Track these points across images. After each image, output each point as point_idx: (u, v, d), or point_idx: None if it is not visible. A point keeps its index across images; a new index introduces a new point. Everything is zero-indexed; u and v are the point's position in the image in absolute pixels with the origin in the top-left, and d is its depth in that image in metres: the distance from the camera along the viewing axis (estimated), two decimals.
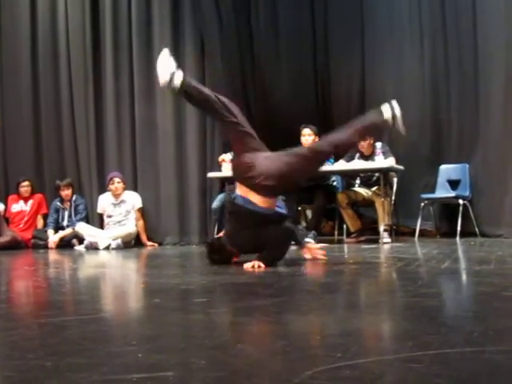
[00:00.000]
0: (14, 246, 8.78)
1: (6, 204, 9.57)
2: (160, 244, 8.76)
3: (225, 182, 8.37)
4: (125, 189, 8.76)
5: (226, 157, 8.39)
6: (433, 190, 8.28)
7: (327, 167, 7.67)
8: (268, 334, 2.28)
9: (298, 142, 7.93)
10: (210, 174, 8.39)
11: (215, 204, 8.37)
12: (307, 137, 7.86)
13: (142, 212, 8.83)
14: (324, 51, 9.02)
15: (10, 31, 10.12)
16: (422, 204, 8.03)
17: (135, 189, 9.01)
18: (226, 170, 8.23)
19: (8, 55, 10.13)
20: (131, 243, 8.55)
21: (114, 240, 8.24)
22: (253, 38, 9.00)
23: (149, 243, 8.71)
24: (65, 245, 8.71)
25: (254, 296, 3.35)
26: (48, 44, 9.85)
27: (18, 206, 9.44)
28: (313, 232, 7.47)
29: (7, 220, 9.39)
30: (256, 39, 9.00)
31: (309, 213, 8.40)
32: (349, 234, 7.88)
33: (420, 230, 7.99)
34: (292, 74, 8.94)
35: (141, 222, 8.74)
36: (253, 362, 1.85)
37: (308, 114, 8.69)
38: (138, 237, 8.76)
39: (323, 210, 7.85)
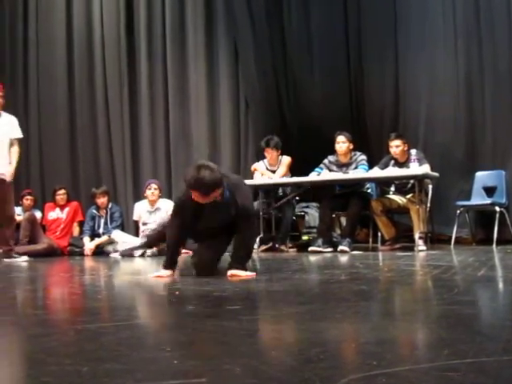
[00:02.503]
0: (51, 253, 8.87)
1: (42, 212, 9.67)
2: (194, 251, 8.77)
3: (258, 190, 8.38)
4: (160, 196, 8.81)
5: (259, 165, 8.40)
6: (468, 197, 8.20)
7: (362, 174, 7.65)
8: (302, 341, 2.27)
9: (330, 146, 7.92)
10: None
11: None
12: (341, 144, 7.84)
13: None
14: (357, 52, 8.96)
15: (47, 41, 10.28)
16: (458, 211, 7.95)
17: (170, 197, 9.06)
18: (259, 179, 8.25)
19: (44, 65, 10.29)
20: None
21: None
22: (285, 41, 9.00)
23: (183, 251, 8.72)
24: (100, 252, 8.79)
25: (287, 303, 3.34)
26: (84, 54, 9.98)
27: (54, 214, 9.54)
28: (347, 239, 7.44)
29: (44, 227, 9.49)
30: (289, 42, 9.00)
31: (343, 220, 8.36)
32: (383, 242, 7.82)
33: (456, 238, 7.91)
34: (325, 75, 8.91)
35: None
36: (287, 370, 1.84)
37: (341, 116, 8.67)
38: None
39: (358, 217, 7.81)
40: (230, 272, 4.78)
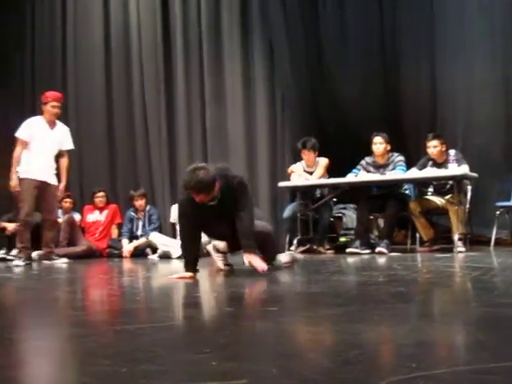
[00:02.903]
0: (90, 255, 8.96)
1: (81, 214, 9.78)
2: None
3: (295, 192, 8.38)
4: None
5: (296, 167, 8.39)
6: (508, 198, 8.09)
7: (399, 175, 7.60)
8: (339, 343, 2.26)
9: (367, 147, 7.88)
10: (281, 184, 8.39)
11: (286, 213, 8.39)
12: (378, 145, 7.80)
13: None
14: (393, 54, 8.87)
15: (84, 46, 10.41)
16: (498, 212, 7.84)
17: None
18: (296, 180, 8.25)
19: (82, 70, 10.42)
20: (203, 252, 8.61)
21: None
22: (321, 43, 8.96)
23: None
24: (139, 254, 8.85)
25: (325, 305, 3.33)
26: (121, 57, 10.08)
27: (93, 216, 9.64)
28: (385, 241, 7.39)
29: (83, 230, 9.59)
30: (324, 42, 8.96)
31: (381, 221, 8.31)
32: (422, 243, 7.75)
33: (495, 239, 7.80)
34: (361, 75, 8.84)
35: None
36: (324, 372, 1.83)
37: (377, 117, 8.60)
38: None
39: (395, 218, 7.76)
40: (246, 257, 4.96)
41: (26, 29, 11.05)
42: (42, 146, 7.51)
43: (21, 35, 11.08)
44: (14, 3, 11.15)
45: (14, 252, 8.10)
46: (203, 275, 5.92)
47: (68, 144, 7.83)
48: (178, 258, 8.19)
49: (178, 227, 8.76)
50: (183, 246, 5.22)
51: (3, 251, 8.07)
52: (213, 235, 5.70)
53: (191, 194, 4.81)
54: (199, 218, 5.02)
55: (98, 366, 1.98)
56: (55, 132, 7.64)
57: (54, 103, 7.57)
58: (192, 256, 5.07)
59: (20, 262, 7.31)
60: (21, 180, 7.44)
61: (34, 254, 8.42)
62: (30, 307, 3.88)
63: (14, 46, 11.10)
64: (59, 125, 7.78)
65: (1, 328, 3.08)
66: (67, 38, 10.62)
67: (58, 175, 7.78)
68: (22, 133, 7.48)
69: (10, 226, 8.95)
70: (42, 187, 7.50)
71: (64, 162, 7.82)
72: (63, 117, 10.26)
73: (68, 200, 9.59)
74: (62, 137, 7.72)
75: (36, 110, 10.18)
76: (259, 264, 4.87)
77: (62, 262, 7.76)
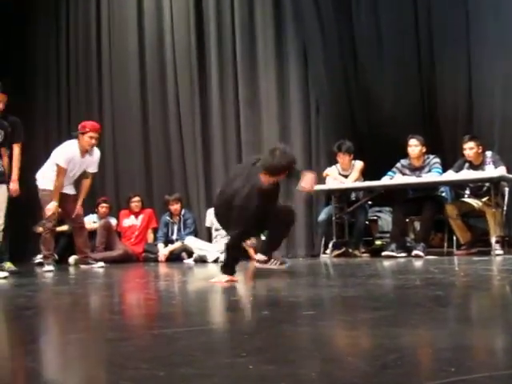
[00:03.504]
0: (126, 259, 9.03)
1: (117, 219, 9.85)
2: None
3: (331, 195, 8.36)
4: None
5: (331, 170, 8.37)
6: None
7: (436, 178, 7.54)
8: (377, 347, 2.25)
9: (402, 149, 7.83)
10: (316, 187, 8.36)
11: (321, 217, 8.37)
12: (414, 147, 7.75)
13: None
14: (428, 54, 8.75)
15: (119, 53, 10.51)
16: None
17: None
18: (331, 183, 8.22)
19: (117, 76, 10.51)
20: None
21: (222, 253, 8.33)
22: (355, 44, 8.90)
23: (257, 257, 8.75)
24: (174, 258, 8.90)
25: (362, 309, 3.31)
26: (155, 64, 10.16)
27: (129, 221, 9.71)
28: (422, 244, 7.34)
29: (119, 234, 9.67)
30: (358, 45, 8.89)
31: (417, 224, 8.25)
32: (459, 246, 7.66)
33: None
34: (396, 78, 8.76)
35: None
36: (362, 376, 1.83)
37: (413, 119, 8.52)
38: (245, 250, 8.83)
39: (432, 221, 7.69)
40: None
41: (61, 39, 11.18)
42: (70, 171, 7.60)
43: (56, 45, 11.23)
44: (48, 12, 11.31)
45: (40, 257, 8.24)
46: (237, 278, 5.94)
47: (93, 168, 7.87)
48: (214, 261, 8.22)
49: (213, 231, 8.86)
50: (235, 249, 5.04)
51: (41, 256, 8.17)
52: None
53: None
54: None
55: (137, 370, 1.99)
56: (85, 160, 7.70)
57: (92, 134, 7.55)
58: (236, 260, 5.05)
59: (51, 267, 7.41)
60: (44, 190, 7.57)
61: (71, 259, 8.54)
62: (69, 311, 3.92)
63: (50, 57, 11.24)
64: (95, 151, 7.80)
65: (40, 332, 3.12)
66: (102, 47, 10.73)
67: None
68: (62, 162, 7.51)
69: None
70: (63, 198, 7.60)
71: (86, 182, 7.89)
72: (99, 122, 10.41)
73: (104, 205, 9.68)
74: (90, 163, 7.76)
75: (71, 123, 10.34)
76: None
77: (98, 267, 7.83)
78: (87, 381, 1.99)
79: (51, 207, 7.42)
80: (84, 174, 7.83)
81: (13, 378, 2.05)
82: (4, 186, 6.52)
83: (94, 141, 7.56)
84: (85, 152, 7.60)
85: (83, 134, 7.53)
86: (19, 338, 2.85)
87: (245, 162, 5.30)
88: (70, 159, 7.50)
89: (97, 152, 7.83)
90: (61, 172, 7.45)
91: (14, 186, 7.23)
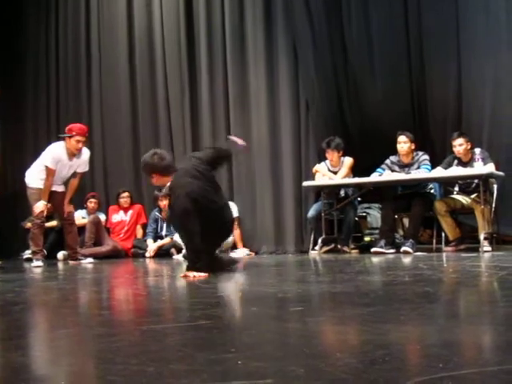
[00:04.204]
0: (115, 255, 9.03)
1: (106, 214, 9.84)
2: (256, 253, 8.82)
3: (320, 191, 8.38)
4: None
5: (320, 167, 8.38)
6: None
7: (425, 174, 7.56)
8: (366, 343, 2.25)
9: (393, 149, 7.86)
10: (305, 183, 8.38)
11: (311, 213, 8.38)
12: (403, 144, 7.78)
13: (239, 221, 8.91)
14: (418, 53, 8.77)
15: (109, 45, 10.48)
16: None
17: (231, 198, 9.10)
18: (320, 180, 8.24)
19: (108, 73, 10.49)
20: (228, 252, 8.64)
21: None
22: (345, 43, 8.90)
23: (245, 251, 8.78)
24: (163, 254, 8.90)
25: (351, 305, 3.32)
26: (145, 60, 10.14)
27: (118, 217, 9.70)
28: (410, 240, 7.36)
29: (108, 230, 9.66)
30: (348, 44, 8.89)
31: (406, 221, 8.28)
32: (447, 243, 7.70)
33: None
34: (386, 78, 8.78)
35: (237, 231, 8.83)
36: (351, 372, 1.83)
37: (402, 116, 8.54)
38: (234, 246, 8.85)
39: (421, 218, 7.72)
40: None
41: (50, 37, 11.13)
42: (59, 172, 7.59)
43: (46, 44, 11.17)
44: (38, 10, 11.25)
45: (28, 252, 8.23)
46: (226, 274, 5.94)
47: (83, 167, 7.85)
48: None
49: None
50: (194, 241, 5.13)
51: (29, 251, 8.15)
52: None
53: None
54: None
55: (126, 365, 1.99)
56: (74, 162, 7.69)
57: (79, 138, 7.54)
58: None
59: (40, 263, 7.40)
60: (32, 189, 7.60)
61: (60, 255, 8.52)
62: (57, 307, 3.91)
63: (39, 55, 11.19)
64: (85, 151, 7.76)
65: (28, 327, 3.11)
66: (91, 45, 10.68)
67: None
68: (50, 164, 7.52)
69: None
70: (52, 195, 7.61)
71: (74, 181, 7.91)
72: (88, 118, 10.41)
73: (93, 200, 9.66)
74: (79, 164, 7.74)
75: (60, 122, 10.32)
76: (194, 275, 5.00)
77: (87, 262, 7.82)
78: (76, 376, 1.99)
79: (39, 206, 7.41)
80: (73, 174, 7.82)
81: (1, 373, 2.04)
82: None
83: (80, 144, 7.54)
84: (72, 155, 7.58)
85: (70, 137, 7.51)
86: (7, 333, 2.84)
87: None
88: (57, 161, 7.50)
89: (86, 152, 7.81)
90: (49, 173, 7.46)
91: None
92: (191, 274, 4.99)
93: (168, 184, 5.35)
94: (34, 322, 3.35)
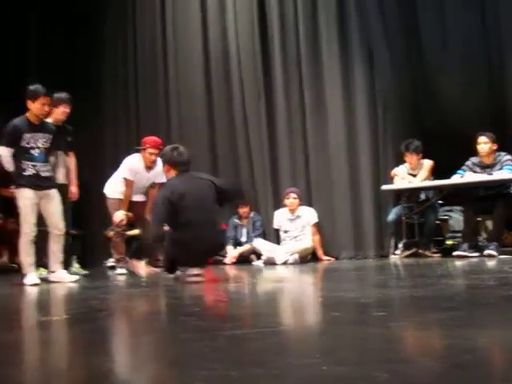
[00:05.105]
0: None
1: None
2: (336, 258, 8.78)
3: (400, 195, 8.29)
4: (300, 204, 8.86)
5: (399, 170, 8.29)
6: None
7: (508, 175, 7.38)
8: (450, 347, 2.22)
9: (473, 149, 7.71)
10: (384, 187, 8.31)
11: (391, 217, 8.30)
12: (483, 145, 7.62)
13: (318, 227, 8.89)
14: (496, 50, 8.54)
15: (184, 53, 10.62)
16: None
17: (310, 204, 9.09)
18: (399, 183, 8.15)
19: (184, 81, 10.62)
20: (308, 258, 8.64)
21: (291, 255, 8.35)
22: (421, 44, 8.78)
23: (325, 258, 8.75)
24: (243, 260, 8.95)
25: (434, 309, 3.27)
26: (220, 68, 10.23)
27: None
28: (494, 243, 7.20)
29: None
30: (424, 45, 8.77)
31: (489, 223, 8.09)
32: None
33: None
34: (463, 74, 8.61)
35: (317, 237, 8.81)
36: (436, 377, 1.81)
37: (481, 116, 8.35)
38: (314, 251, 8.83)
39: (504, 220, 7.54)
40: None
41: (128, 48, 11.37)
42: (138, 182, 7.72)
43: (123, 55, 11.41)
44: (115, 24, 11.52)
45: (112, 260, 8.42)
46: (307, 280, 5.95)
47: (160, 178, 7.89)
48: (284, 263, 8.24)
49: (281, 233, 8.88)
50: (154, 236, 5.86)
51: (113, 259, 8.33)
52: None
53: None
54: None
55: (210, 371, 2.01)
56: (151, 174, 7.78)
57: (152, 150, 7.63)
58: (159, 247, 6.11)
59: (123, 270, 7.57)
60: (112, 199, 7.79)
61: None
62: (140, 313, 3.99)
63: (118, 66, 11.45)
64: (156, 164, 7.83)
65: (112, 333, 3.18)
66: (168, 54, 10.83)
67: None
68: (128, 175, 7.67)
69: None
70: (132, 205, 7.80)
71: (153, 192, 7.98)
72: (167, 127, 10.59)
73: None
74: (156, 174, 7.80)
75: (139, 133, 10.53)
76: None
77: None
78: (160, 381, 2.03)
79: (119, 215, 7.56)
80: (151, 184, 7.94)
81: (88, 378, 2.10)
82: (55, 191, 6.68)
83: (153, 157, 7.62)
84: (148, 168, 7.69)
85: (144, 149, 7.65)
86: (93, 339, 2.91)
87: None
88: (134, 172, 7.64)
89: (160, 163, 7.90)
90: (128, 184, 7.62)
91: (74, 189, 7.61)
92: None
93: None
94: (118, 328, 3.43)
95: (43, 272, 6.93)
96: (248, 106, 9.93)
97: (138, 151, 7.79)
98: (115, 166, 8.12)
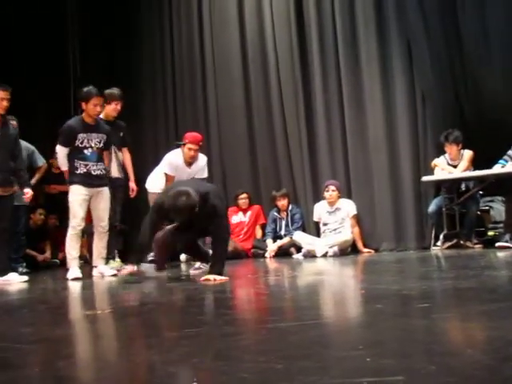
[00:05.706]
0: (236, 255, 9.13)
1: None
2: (376, 250, 8.72)
3: (440, 186, 8.21)
4: (340, 197, 8.83)
5: (439, 161, 8.21)
6: None
7: None
8: (497, 339, 2.19)
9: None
10: (425, 178, 8.23)
11: (431, 208, 8.22)
12: None
13: (357, 219, 8.84)
14: None
15: (223, 53, 10.62)
16: None
17: (349, 196, 9.05)
18: (440, 174, 8.07)
19: (222, 78, 10.62)
20: (348, 250, 8.60)
21: (330, 247, 8.33)
22: (461, 39, 8.67)
23: (365, 250, 8.71)
24: (283, 253, 8.95)
25: (478, 301, 3.24)
26: (258, 63, 10.19)
27: (237, 218, 9.83)
28: None
29: None
30: (465, 39, 8.67)
31: None
32: None
33: None
34: (504, 64, 8.48)
35: (356, 229, 8.77)
36: (484, 368, 1.79)
37: None
38: (354, 244, 8.79)
39: None
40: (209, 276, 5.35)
41: (165, 48, 11.42)
42: (178, 178, 7.74)
43: (161, 55, 11.48)
44: (152, 24, 11.60)
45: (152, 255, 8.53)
46: (347, 272, 5.93)
47: (201, 173, 7.88)
48: (323, 256, 8.22)
49: (321, 225, 8.86)
50: (144, 239, 5.77)
51: (153, 254, 8.41)
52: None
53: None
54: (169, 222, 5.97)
55: (254, 363, 2.02)
56: (192, 169, 7.78)
57: (191, 146, 7.62)
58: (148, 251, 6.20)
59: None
60: (153, 193, 7.85)
61: (183, 256, 8.71)
62: (184, 306, 4.02)
63: (156, 65, 11.53)
64: (198, 159, 7.82)
65: (158, 327, 3.21)
66: (205, 52, 10.82)
67: None
68: (168, 170, 7.70)
69: None
70: None
71: None
72: (205, 122, 10.63)
73: None
74: (197, 170, 7.81)
75: (178, 129, 10.60)
76: (219, 278, 5.32)
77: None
78: (206, 373, 2.04)
79: None
80: None
81: (137, 371, 2.12)
82: (107, 189, 6.80)
83: (192, 152, 7.61)
84: (189, 163, 7.70)
85: (184, 145, 7.67)
86: (139, 332, 2.94)
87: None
88: (174, 167, 7.67)
89: (202, 158, 7.89)
90: (169, 179, 7.66)
91: (134, 185, 7.81)
92: (211, 277, 5.32)
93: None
94: (163, 321, 3.45)
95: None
96: (286, 100, 9.89)
97: (178, 146, 7.82)
98: (155, 162, 8.19)
